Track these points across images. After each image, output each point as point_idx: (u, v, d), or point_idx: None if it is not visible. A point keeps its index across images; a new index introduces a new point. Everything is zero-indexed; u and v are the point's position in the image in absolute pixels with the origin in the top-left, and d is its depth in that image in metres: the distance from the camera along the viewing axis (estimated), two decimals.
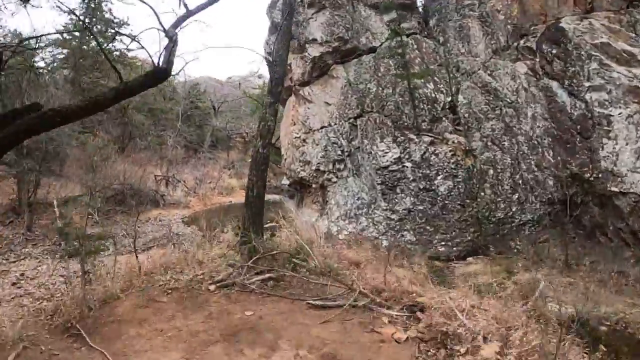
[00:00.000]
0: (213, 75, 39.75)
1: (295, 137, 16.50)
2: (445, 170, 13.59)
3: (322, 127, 15.79)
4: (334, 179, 15.38)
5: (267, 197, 26.24)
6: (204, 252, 8.65)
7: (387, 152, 14.07)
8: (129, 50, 27.69)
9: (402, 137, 14.45)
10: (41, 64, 24.86)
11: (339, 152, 15.19)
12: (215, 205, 21.85)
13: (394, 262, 10.96)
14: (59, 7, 24.36)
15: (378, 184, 14.03)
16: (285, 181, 31.58)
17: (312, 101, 16.41)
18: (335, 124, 15.67)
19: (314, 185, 15.96)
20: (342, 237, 13.92)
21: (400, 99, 15.09)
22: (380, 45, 16.52)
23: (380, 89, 15.58)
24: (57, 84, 24.66)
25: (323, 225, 15.09)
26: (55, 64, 25.28)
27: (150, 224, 17.09)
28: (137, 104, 26.22)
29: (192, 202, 21.16)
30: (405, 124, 14.89)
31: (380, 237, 13.63)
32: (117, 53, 26.81)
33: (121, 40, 27.72)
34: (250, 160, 32.00)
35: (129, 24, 26.18)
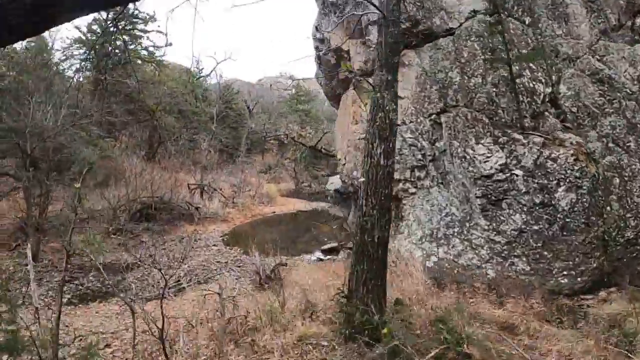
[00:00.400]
0: (242, 77, 37.96)
1: (359, 138, 14.03)
2: (567, 180, 10.87)
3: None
4: (412, 190, 12.91)
5: (308, 205, 24.34)
6: (276, 331, 6.16)
7: (489, 157, 11.45)
8: (157, 47, 25.52)
9: (504, 138, 11.80)
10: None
11: (419, 157, 12.66)
12: (257, 217, 19.65)
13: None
14: None
15: (477, 197, 11.45)
16: (331, 186, 29.35)
17: None
18: (412, 121, 13.16)
19: None
20: (431, 264, 11.42)
21: (494, 89, 12.46)
22: (460, 26, 13.80)
23: (466, 78, 12.97)
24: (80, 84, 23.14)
25: (401, 247, 12.64)
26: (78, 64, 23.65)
27: (182, 245, 14.99)
28: (166, 105, 24.28)
29: (231, 215, 19.10)
30: (503, 120, 12.20)
31: (483, 266, 11.07)
32: (145, 52, 24.99)
33: (148, 37, 25.65)
34: (287, 162, 29.96)
35: (155, 19, 24.19)
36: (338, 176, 29.46)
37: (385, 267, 6.56)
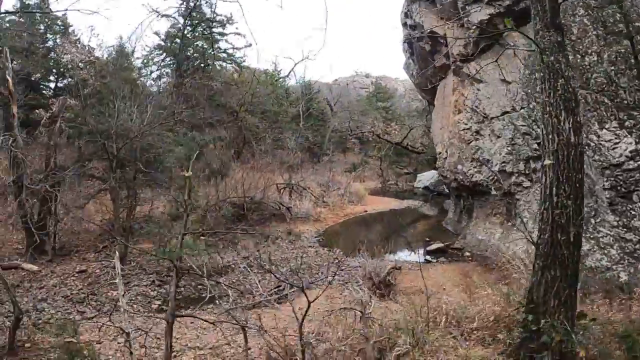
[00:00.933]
0: (316, 78, 38.67)
1: (464, 129, 13.72)
2: None
3: (503, 114, 12.86)
4: (526, 183, 12.46)
5: (399, 203, 24.10)
6: (426, 354, 5.33)
7: (616, 143, 10.73)
8: (236, 48, 26.79)
9: (630, 121, 10.96)
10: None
11: (535, 146, 12.04)
12: (349, 217, 19.92)
13: None
14: (156, 11, 24.15)
15: (605, 189, 10.74)
16: (420, 183, 28.94)
17: (482, 80, 13.61)
18: (523, 107, 12.65)
19: (494, 192, 13.09)
20: None
21: (612, 68, 11.49)
22: (565, 1, 12.84)
23: (579, 56, 12.09)
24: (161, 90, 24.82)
25: (517, 248, 12.19)
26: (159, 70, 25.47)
27: (276, 246, 15.37)
28: (249, 105, 25.42)
29: (323, 214, 19.54)
30: (626, 102, 11.29)
31: (614, 268, 10.29)
32: (224, 54, 26.33)
33: (226, 40, 26.95)
34: (381, 159, 29.90)
35: (233, 21, 25.38)
36: (426, 173, 29.15)
37: (578, 273, 5.49)
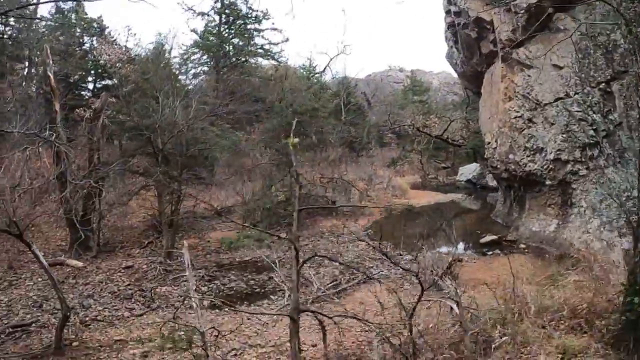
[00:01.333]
0: (350, 74, 38.79)
1: (516, 117, 13.65)
2: None
3: (556, 100, 12.73)
4: (583, 172, 12.37)
5: (442, 197, 24.03)
6: (521, 345, 5.19)
7: None
8: (273, 44, 27.28)
9: None
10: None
11: (591, 133, 11.92)
12: (394, 211, 19.89)
13: None
14: (191, 9, 24.89)
15: None
16: (462, 177, 28.71)
17: (532, 66, 13.56)
18: (577, 92, 12.51)
19: (548, 182, 13.09)
20: (616, 255, 10.71)
21: None
22: None
23: (634, 38, 11.71)
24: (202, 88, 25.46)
25: (574, 239, 12.15)
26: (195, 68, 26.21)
27: (326, 240, 15.59)
28: (287, 101, 25.83)
29: (368, 209, 19.49)
30: None
31: None
32: (261, 50, 26.84)
33: (262, 36, 27.46)
34: (411, 155, 29.94)
35: (269, 16, 25.86)
36: (468, 166, 28.89)
37: None
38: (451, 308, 6.00)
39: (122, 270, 12.09)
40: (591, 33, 12.74)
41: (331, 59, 34.87)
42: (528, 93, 13.79)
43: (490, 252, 13.28)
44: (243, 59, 26.20)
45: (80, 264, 12.11)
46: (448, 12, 17.84)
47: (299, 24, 55.58)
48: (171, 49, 24.91)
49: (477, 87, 19.23)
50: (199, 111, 15.92)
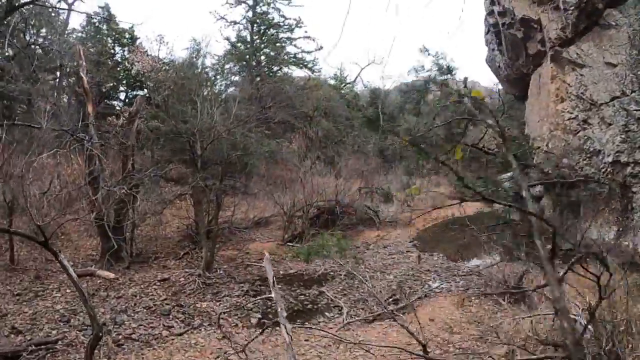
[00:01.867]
0: (379, 84, 38.93)
1: (569, 119, 13.46)
2: None
3: (612, 99, 12.55)
4: None
5: (484, 206, 23.67)
6: None
7: None
8: (306, 52, 27.68)
9: None
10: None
11: None
12: (438, 220, 19.99)
13: None
14: (223, 17, 25.47)
15: None
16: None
17: (584, 64, 13.46)
18: (635, 90, 12.38)
19: (606, 186, 12.57)
20: None
21: None
22: None
23: None
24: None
25: (638, 245, 11.73)
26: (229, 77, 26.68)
27: (373, 252, 15.47)
28: (322, 110, 26.10)
29: (413, 219, 19.38)
30: None
31: None
32: (294, 59, 27.21)
33: (295, 45, 27.88)
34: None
35: (302, 24, 26.26)
36: (504, 176, 28.36)
37: None
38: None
39: (158, 283, 11.61)
40: None
41: (362, 69, 35.17)
42: (582, 93, 13.64)
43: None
44: (276, 68, 26.58)
45: (112, 275, 11.21)
46: (490, 13, 17.80)
47: (329, 35, 55.87)
48: (205, 55, 25.37)
49: (522, 90, 19.05)
50: (238, 116, 15.84)
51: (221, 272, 12.70)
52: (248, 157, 17.45)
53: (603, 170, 13.19)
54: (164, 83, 18.75)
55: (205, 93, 17.06)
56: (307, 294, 11.46)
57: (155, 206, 15.13)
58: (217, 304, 10.47)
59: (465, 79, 43.20)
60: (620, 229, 12.82)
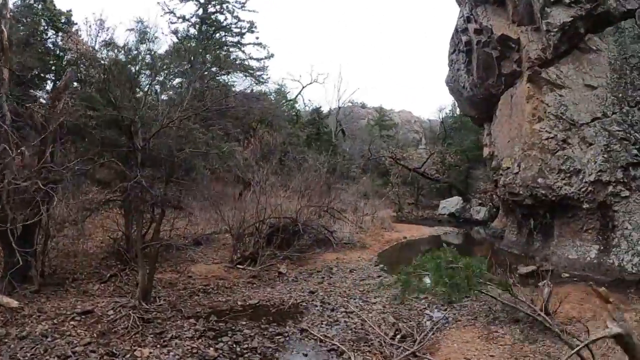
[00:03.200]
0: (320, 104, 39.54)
1: (548, 138, 13.84)
2: None
3: (593, 119, 13.15)
4: (625, 193, 12.90)
5: (434, 229, 24.04)
6: None
7: None
8: (255, 59, 26.70)
9: None
10: None
11: (635, 152, 12.34)
12: (391, 243, 20.04)
13: None
14: (171, 11, 23.93)
15: None
16: (444, 210, 29.23)
17: (564, 85, 14.04)
18: (615, 112, 13.04)
19: (586, 205, 13.14)
20: None
21: None
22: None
23: None
24: None
25: (624, 263, 12.24)
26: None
27: (340, 277, 13.91)
28: (267, 123, 25.07)
29: (365, 240, 19.15)
30: None
31: None
32: (241, 64, 26.08)
33: (243, 51, 26.75)
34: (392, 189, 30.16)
35: (254, 29, 25.42)
36: (451, 200, 29.64)
37: None
38: None
39: (78, 318, 8.73)
40: (622, 55, 13.48)
41: (304, 87, 34.95)
42: (562, 113, 14.20)
43: (532, 284, 12.69)
44: (223, 72, 25.12)
45: (15, 303, 8.20)
46: (464, 31, 18.23)
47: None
48: (153, 39, 23.13)
49: (486, 112, 19.72)
50: (188, 108, 13.75)
51: (162, 302, 10.08)
52: (201, 158, 15.77)
53: (583, 189, 13.67)
54: (100, 61, 15.89)
55: (149, 78, 15.07)
56: (284, 332, 9.06)
57: (76, 213, 12.49)
58: (165, 350, 7.67)
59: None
60: (602, 248, 13.22)
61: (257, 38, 27.54)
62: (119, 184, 11.05)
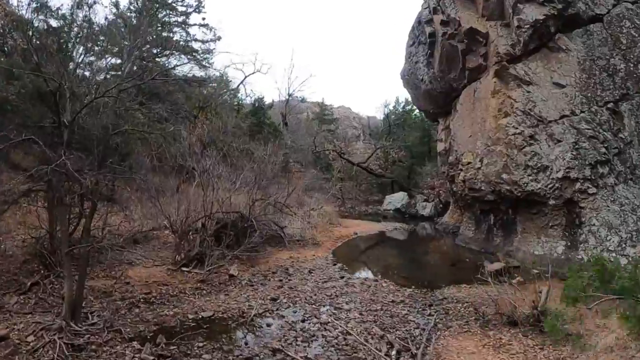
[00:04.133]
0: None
1: (515, 134, 13.80)
2: None
3: (562, 117, 13.29)
4: (592, 190, 13.09)
5: (383, 225, 23.77)
6: None
7: None
8: (200, 41, 24.85)
9: None
10: None
11: (603, 151, 12.59)
12: (344, 239, 19.50)
13: None
14: None
15: None
16: (390, 205, 29.15)
17: (532, 82, 14.06)
18: (584, 111, 13.20)
19: (552, 202, 13.26)
20: None
21: None
22: (608, 13, 14.21)
23: (631, 65, 13.25)
24: None
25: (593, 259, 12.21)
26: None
27: (301, 278, 12.75)
28: (211, 110, 23.43)
29: (316, 237, 18.30)
30: None
31: None
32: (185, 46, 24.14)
33: (188, 31, 24.76)
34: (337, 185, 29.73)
35: (202, 9, 23.63)
36: (396, 195, 29.67)
37: None
38: None
39: None
40: (590, 57, 13.74)
41: (246, 76, 33.40)
42: (530, 109, 14.25)
43: (506, 282, 12.47)
44: (166, 52, 23.05)
45: None
46: (428, 22, 17.94)
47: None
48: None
49: (444, 106, 19.59)
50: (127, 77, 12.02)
51: (96, 320, 8.13)
52: (140, 142, 14.18)
53: (550, 186, 13.79)
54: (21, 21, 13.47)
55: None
56: (255, 357, 7.53)
57: None
58: None
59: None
60: (568, 244, 13.37)
61: (204, 19, 25.50)
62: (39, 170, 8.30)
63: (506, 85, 15.07)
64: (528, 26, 14.46)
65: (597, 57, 13.87)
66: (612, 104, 13.36)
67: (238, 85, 31.63)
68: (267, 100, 36.44)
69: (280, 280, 12.45)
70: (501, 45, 15.08)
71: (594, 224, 13.11)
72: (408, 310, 10.13)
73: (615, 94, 13.38)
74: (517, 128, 14.56)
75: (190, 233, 13.90)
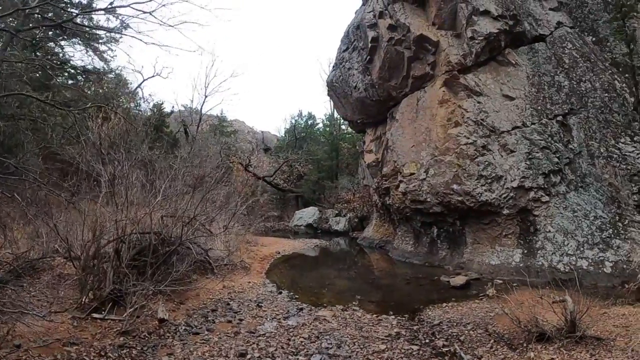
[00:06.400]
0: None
1: (466, 144, 13.84)
2: None
3: (514, 128, 13.76)
4: (545, 198, 13.84)
5: (303, 243, 22.64)
6: None
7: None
8: (98, 28, 21.37)
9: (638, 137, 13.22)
10: None
11: (556, 160, 13.12)
12: (269, 260, 18.29)
13: None
14: None
15: (633, 193, 12.73)
16: (301, 221, 28.06)
17: (482, 93, 14.39)
18: (534, 123, 13.91)
19: (506, 211, 13.45)
20: (609, 269, 12.41)
21: (606, 95, 13.94)
22: (551, 34, 15.74)
23: (574, 82, 14.17)
24: None
25: (554, 263, 12.97)
26: None
27: (248, 316, 9.86)
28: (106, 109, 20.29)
29: (241, 258, 16.32)
30: (620, 122, 13.84)
31: None
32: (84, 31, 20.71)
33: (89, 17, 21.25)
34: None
35: None
36: (307, 210, 28.76)
37: None
38: None
39: None
40: (537, 72, 14.39)
41: (145, 79, 29.99)
42: (482, 119, 14.48)
43: (482, 296, 11.97)
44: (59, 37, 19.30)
45: None
46: (372, 26, 17.37)
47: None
48: None
49: (376, 115, 19.09)
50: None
51: None
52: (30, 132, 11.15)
53: (504, 195, 14.00)
54: None
55: None
56: None
57: None
58: None
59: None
60: (525, 251, 13.56)
61: (112, 3, 21.71)
62: None
63: (455, 95, 15.23)
64: (482, 38, 15.14)
65: (543, 74, 15.06)
66: (561, 117, 14.40)
67: (136, 88, 28.31)
68: (167, 108, 33.26)
69: (230, 322, 9.43)
70: (452, 55, 15.41)
71: (549, 231, 13.58)
72: (418, 346, 8.25)
73: (563, 107, 14.46)
74: (469, 138, 14.68)
75: (98, 261, 10.83)
